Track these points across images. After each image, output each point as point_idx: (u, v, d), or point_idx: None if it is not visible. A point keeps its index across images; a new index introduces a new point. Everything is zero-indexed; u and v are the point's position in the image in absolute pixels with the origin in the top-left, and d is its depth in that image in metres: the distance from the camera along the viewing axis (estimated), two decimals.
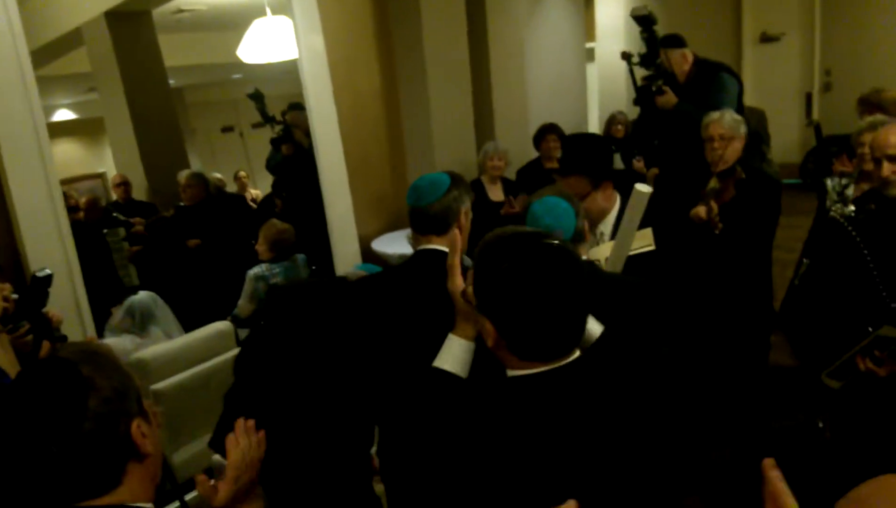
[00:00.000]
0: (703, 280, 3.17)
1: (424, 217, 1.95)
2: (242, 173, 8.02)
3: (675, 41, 4.00)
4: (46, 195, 2.88)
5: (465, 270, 2.32)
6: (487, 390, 1.33)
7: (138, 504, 1.16)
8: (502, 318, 1.26)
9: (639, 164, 4.99)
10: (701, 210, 3.00)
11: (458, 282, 1.57)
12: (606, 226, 2.59)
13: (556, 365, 1.26)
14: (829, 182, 3.39)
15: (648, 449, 1.28)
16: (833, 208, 2.84)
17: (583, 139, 2.90)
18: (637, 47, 4.11)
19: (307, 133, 4.57)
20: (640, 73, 4.07)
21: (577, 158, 2.54)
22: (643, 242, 2.35)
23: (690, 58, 4.03)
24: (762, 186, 3.09)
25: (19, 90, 2.83)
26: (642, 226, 2.25)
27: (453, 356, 1.53)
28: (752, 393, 3.33)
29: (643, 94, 4.02)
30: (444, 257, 1.79)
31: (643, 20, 3.79)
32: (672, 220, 2.85)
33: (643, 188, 2.17)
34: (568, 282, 1.24)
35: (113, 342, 3.69)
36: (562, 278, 1.23)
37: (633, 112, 5.57)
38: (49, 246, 2.87)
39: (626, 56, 4.04)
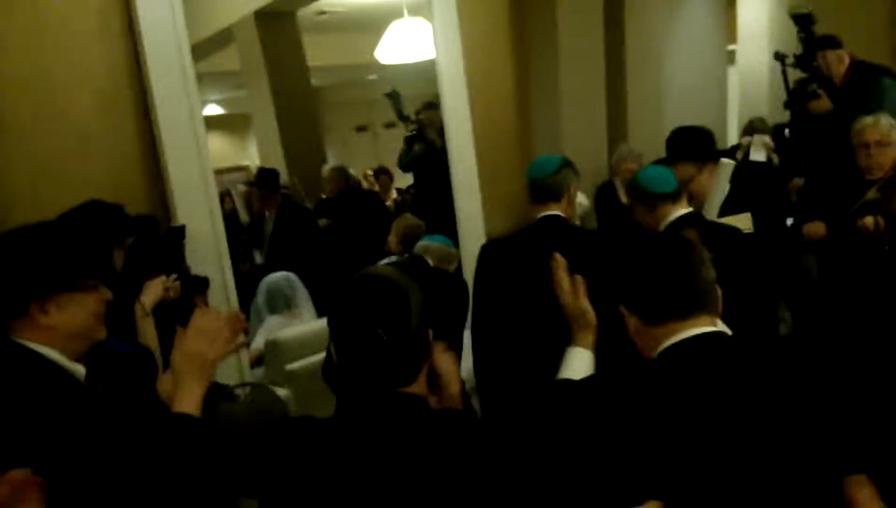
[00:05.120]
0: (871, 294, 2.98)
1: (543, 187, 2.41)
2: (368, 172, 8.27)
3: (831, 42, 3.77)
4: (200, 179, 3.07)
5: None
6: (632, 374, 1.41)
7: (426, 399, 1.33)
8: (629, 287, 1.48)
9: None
10: (868, 221, 2.87)
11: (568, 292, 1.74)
12: (712, 207, 2.98)
13: (701, 331, 1.37)
14: None
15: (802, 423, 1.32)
16: None
17: (686, 130, 3.19)
18: (784, 49, 3.91)
19: (439, 133, 4.63)
20: (793, 75, 3.86)
21: (682, 145, 2.90)
22: (743, 224, 2.84)
23: (847, 60, 3.79)
24: None
25: (180, 82, 3.01)
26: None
27: (582, 367, 1.63)
28: None
29: (795, 97, 3.80)
30: (563, 220, 2.39)
31: (802, 19, 3.60)
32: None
33: (727, 162, 3.05)
34: (675, 253, 1.45)
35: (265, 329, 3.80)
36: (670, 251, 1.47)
37: (779, 116, 5.28)
38: (201, 225, 3.05)
39: (779, 57, 3.83)
